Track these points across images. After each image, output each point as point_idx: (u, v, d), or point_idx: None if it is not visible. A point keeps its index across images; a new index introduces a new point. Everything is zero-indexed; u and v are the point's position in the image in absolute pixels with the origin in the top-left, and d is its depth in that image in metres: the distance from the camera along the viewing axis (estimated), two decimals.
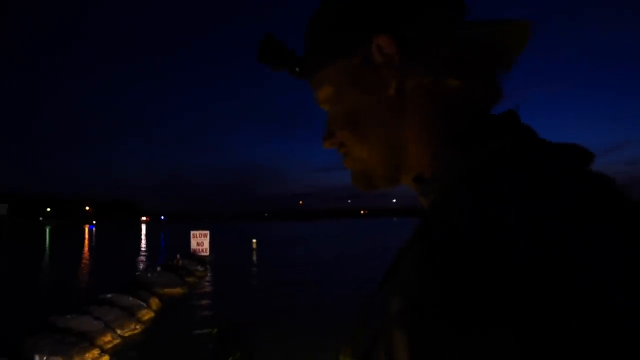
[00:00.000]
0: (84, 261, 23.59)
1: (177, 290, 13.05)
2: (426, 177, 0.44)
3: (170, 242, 38.20)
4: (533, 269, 0.27)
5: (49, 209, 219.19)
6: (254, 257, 24.91)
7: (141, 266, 19.59)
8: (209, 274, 17.26)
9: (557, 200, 0.31)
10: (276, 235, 51.63)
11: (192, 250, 21.86)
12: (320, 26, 0.50)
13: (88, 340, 7.51)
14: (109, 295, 9.83)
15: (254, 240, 28.94)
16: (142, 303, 10.03)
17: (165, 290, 12.91)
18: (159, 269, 13.75)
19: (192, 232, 22.58)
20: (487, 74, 0.45)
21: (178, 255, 17.94)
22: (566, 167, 0.36)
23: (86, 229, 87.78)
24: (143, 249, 32.05)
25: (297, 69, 0.54)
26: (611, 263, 0.28)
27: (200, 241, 22.40)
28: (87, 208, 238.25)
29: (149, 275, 13.23)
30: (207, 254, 21.84)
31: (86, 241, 44.94)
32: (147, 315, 9.90)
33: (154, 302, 11.00)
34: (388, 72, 0.45)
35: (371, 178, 0.50)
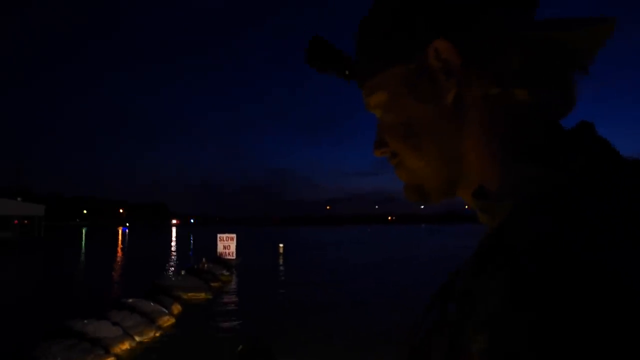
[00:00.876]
0: (113, 263, 23.72)
1: (201, 295, 12.64)
2: (491, 193, 0.40)
3: (198, 245, 38.30)
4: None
5: (85, 211, 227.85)
6: (281, 262, 24.45)
7: (170, 269, 19.40)
8: (234, 279, 16.86)
9: None
10: (304, 240, 51.19)
11: (218, 254, 21.61)
12: (374, 29, 0.47)
13: (103, 347, 7.11)
14: (130, 300, 9.48)
15: (281, 245, 28.51)
16: (163, 309, 9.63)
17: (189, 294, 12.53)
18: (183, 272, 13.38)
19: (218, 235, 22.37)
20: (562, 80, 0.41)
21: (204, 259, 17.68)
22: None
23: (119, 231, 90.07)
24: (173, 252, 32.19)
25: (346, 72, 0.52)
26: None
27: (227, 244, 22.14)
28: (121, 210, 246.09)
29: (173, 279, 12.89)
30: (234, 257, 21.53)
31: (119, 243, 45.79)
32: (168, 321, 9.48)
33: (176, 308, 10.60)
34: (447, 80, 0.42)
35: (425, 190, 0.47)
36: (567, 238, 0.28)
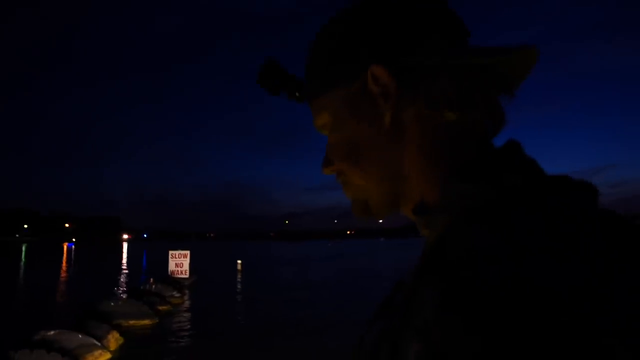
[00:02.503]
0: (43, 286, 21.06)
1: (145, 322, 10.85)
2: (430, 208, 0.43)
3: (150, 261, 35.59)
4: (576, 330, 0.25)
5: (26, 226, 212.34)
6: (239, 280, 22.72)
7: (118, 289, 17.14)
8: (186, 301, 15.07)
9: (581, 243, 0.30)
10: (263, 256, 49.28)
11: (170, 272, 19.63)
12: (319, 52, 0.49)
13: None
14: (51, 333, 7.65)
15: (239, 262, 26.69)
16: (94, 342, 7.87)
17: (131, 322, 10.73)
18: (124, 296, 11.49)
19: (170, 252, 20.32)
20: (490, 102, 0.44)
21: (151, 279, 15.70)
22: (581, 206, 0.35)
23: (65, 247, 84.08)
24: (123, 269, 29.46)
25: (297, 94, 0.54)
26: None
27: (180, 262, 20.16)
28: (67, 225, 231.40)
29: (112, 304, 10.99)
30: (187, 276, 19.60)
31: (64, 259, 41.99)
32: (100, 357, 7.76)
33: (113, 338, 8.84)
34: (384, 102, 0.45)
35: (370, 206, 0.49)
36: (499, 249, 0.30)
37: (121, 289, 15.80)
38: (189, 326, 11.06)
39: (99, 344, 7.98)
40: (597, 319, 0.25)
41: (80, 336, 7.81)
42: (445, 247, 0.34)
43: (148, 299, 12.59)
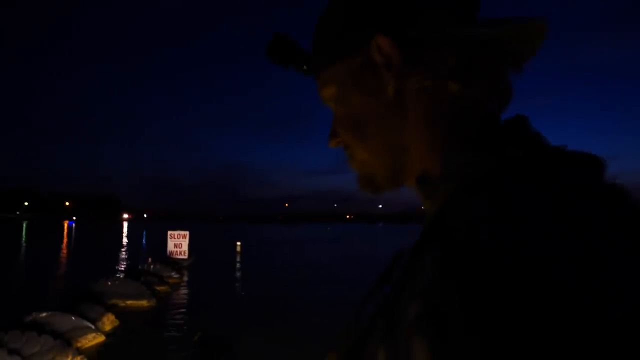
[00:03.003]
0: (41, 264, 20.88)
1: (142, 303, 10.61)
2: (432, 179, 0.43)
3: (150, 242, 35.49)
4: (570, 292, 0.25)
5: (26, 203, 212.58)
6: (238, 260, 22.53)
7: (118, 269, 16.92)
8: (185, 281, 14.85)
9: (580, 213, 0.30)
10: (263, 238, 49.22)
11: (168, 253, 19.39)
12: (326, 25, 0.50)
13: None
14: (43, 315, 7.39)
15: (239, 243, 26.50)
16: (88, 324, 7.61)
17: (128, 302, 10.49)
18: (121, 276, 11.23)
19: (169, 233, 20.02)
20: (495, 76, 0.44)
21: (149, 259, 15.46)
22: (584, 177, 0.34)
23: (65, 225, 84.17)
24: (122, 249, 29.33)
25: (304, 67, 0.55)
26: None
27: (179, 242, 19.89)
28: (67, 203, 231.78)
29: (109, 284, 10.73)
30: (186, 257, 19.38)
31: (64, 238, 41.89)
32: (92, 340, 7.50)
33: (108, 320, 8.58)
34: (387, 73, 0.45)
35: (375, 180, 0.49)
36: (497, 218, 0.31)
37: (119, 268, 15.56)
38: (186, 308, 10.83)
39: (93, 326, 7.73)
40: (587, 286, 0.26)
41: (73, 318, 7.55)
42: (446, 216, 0.35)
43: (146, 279, 12.36)
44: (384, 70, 0.44)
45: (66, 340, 6.76)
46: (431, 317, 0.28)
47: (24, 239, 39.98)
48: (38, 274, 16.17)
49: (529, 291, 0.25)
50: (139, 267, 14.68)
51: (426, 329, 0.28)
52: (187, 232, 20.08)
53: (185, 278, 15.52)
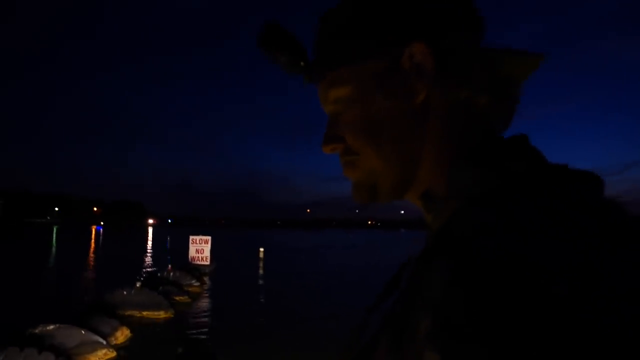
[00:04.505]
0: (67, 269, 20.64)
1: (160, 314, 9.93)
2: (437, 194, 0.44)
3: (174, 247, 35.27)
4: (567, 302, 0.27)
5: (57, 209, 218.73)
6: (261, 268, 21.82)
7: (137, 276, 16.41)
8: (205, 290, 14.17)
9: (578, 228, 0.32)
10: (286, 244, 48.54)
11: (190, 259, 18.82)
12: (342, 23, 0.47)
13: None
14: (50, 327, 6.73)
15: (261, 249, 25.85)
16: (98, 339, 6.94)
17: (145, 313, 9.83)
18: (138, 284, 10.59)
19: (191, 238, 19.42)
20: (505, 95, 0.46)
21: (170, 266, 14.84)
22: (581, 194, 0.36)
23: (93, 230, 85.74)
24: (147, 254, 29.09)
25: (302, 63, 0.50)
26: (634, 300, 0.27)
27: (200, 248, 19.29)
28: (95, 209, 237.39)
29: (124, 293, 10.10)
30: (208, 262, 18.77)
31: (92, 242, 42.18)
32: (104, 356, 6.82)
33: (122, 335, 7.93)
34: (418, 80, 0.44)
35: (377, 190, 0.47)
36: (501, 230, 0.32)
37: (140, 277, 15.03)
38: (206, 320, 10.10)
39: (104, 341, 7.04)
40: (581, 293, 0.27)
41: (82, 332, 6.88)
42: (453, 229, 0.36)
43: (165, 288, 11.72)
44: (413, 78, 0.43)
45: (69, 358, 6.07)
46: (442, 330, 0.29)
47: (54, 243, 40.40)
48: (58, 281, 15.81)
49: (533, 303, 0.27)
50: (158, 274, 14.08)
51: (438, 343, 0.28)
52: (209, 238, 19.48)
53: (207, 286, 14.86)
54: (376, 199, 0.47)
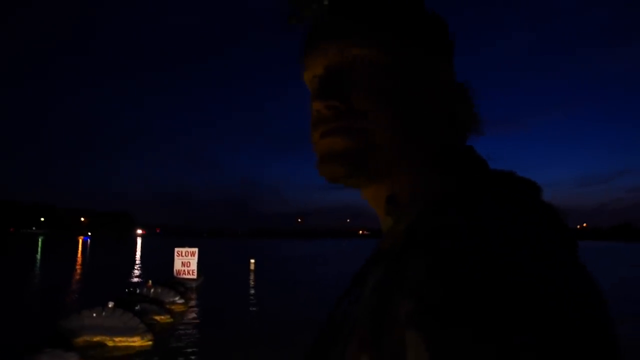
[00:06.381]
0: (45, 285, 19.02)
1: (134, 341, 8.51)
2: (402, 199, 0.47)
3: (159, 259, 33.64)
4: (521, 287, 0.31)
5: (42, 219, 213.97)
6: (252, 280, 20.39)
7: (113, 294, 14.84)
8: (190, 307, 12.75)
9: (528, 226, 0.37)
10: (277, 254, 47.01)
11: (175, 272, 17.36)
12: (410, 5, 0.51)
13: None
14: None
15: (252, 261, 24.38)
16: None
17: (117, 340, 8.41)
18: (110, 304, 9.09)
19: (176, 250, 17.90)
20: (469, 104, 0.52)
21: (150, 282, 13.29)
22: (527, 196, 0.42)
23: (80, 241, 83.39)
24: (132, 267, 27.41)
25: (325, 2, 0.50)
26: (575, 287, 0.33)
27: (187, 261, 17.80)
28: (82, 219, 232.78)
29: (94, 315, 8.63)
30: (194, 277, 17.32)
31: (79, 254, 40.33)
32: None
33: None
34: (445, 69, 0.51)
35: (363, 164, 0.46)
36: (468, 229, 0.37)
37: (118, 293, 13.52)
38: (189, 346, 8.69)
39: None
40: (532, 280, 0.32)
41: None
42: (423, 228, 0.40)
43: (143, 307, 10.29)
44: (442, 66, 0.50)
45: None
46: (423, 312, 0.32)
47: (38, 254, 38.48)
48: (21, 302, 14.23)
49: (497, 287, 0.31)
50: (137, 291, 12.58)
51: (420, 324, 0.31)
52: (195, 250, 17.96)
53: (192, 303, 13.44)
54: (356, 174, 0.47)
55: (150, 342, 8.58)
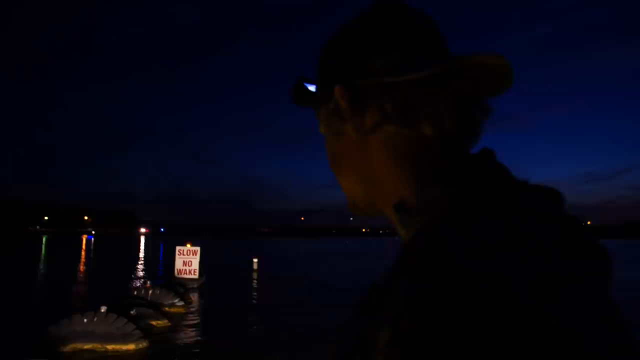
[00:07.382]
0: (42, 286, 18.51)
1: (129, 348, 7.96)
2: (408, 208, 0.46)
3: (161, 258, 33.15)
4: (523, 315, 0.29)
5: (46, 218, 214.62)
6: (254, 281, 19.84)
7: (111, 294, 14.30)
8: (191, 310, 12.19)
9: (539, 247, 0.34)
10: (279, 253, 46.49)
11: (176, 272, 16.80)
12: (318, 72, 0.55)
13: None
14: None
15: (255, 260, 23.79)
16: None
17: (109, 347, 7.86)
18: (103, 309, 8.44)
19: (177, 249, 17.25)
20: (457, 113, 0.46)
21: (148, 283, 12.73)
22: (541, 210, 0.38)
23: (84, 239, 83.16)
24: (134, 267, 26.95)
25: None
26: (591, 316, 0.31)
27: (188, 260, 17.15)
28: (86, 218, 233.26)
29: (85, 321, 8.07)
30: (196, 276, 16.74)
31: (82, 253, 39.87)
32: None
33: None
34: (346, 117, 0.49)
35: (356, 205, 0.54)
36: (462, 246, 0.34)
37: (112, 295, 12.99)
38: (188, 355, 8.12)
39: None
40: (542, 306, 0.29)
41: None
42: (416, 244, 0.39)
43: (139, 311, 9.72)
44: (347, 115, 0.49)
45: None
46: (400, 342, 0.30)
47: (43, 254, 38.10)
48: (19, 304, 13.72)
49: (487, 317, 0.29)
50: (135, 293, 12.05)
51: (396, 354, 0.30)
52: (197, 248, 17.31)
53: (193, 305, 12.89)
54: (360, 212, 0.55)
55: (144, 347, 8.02)
